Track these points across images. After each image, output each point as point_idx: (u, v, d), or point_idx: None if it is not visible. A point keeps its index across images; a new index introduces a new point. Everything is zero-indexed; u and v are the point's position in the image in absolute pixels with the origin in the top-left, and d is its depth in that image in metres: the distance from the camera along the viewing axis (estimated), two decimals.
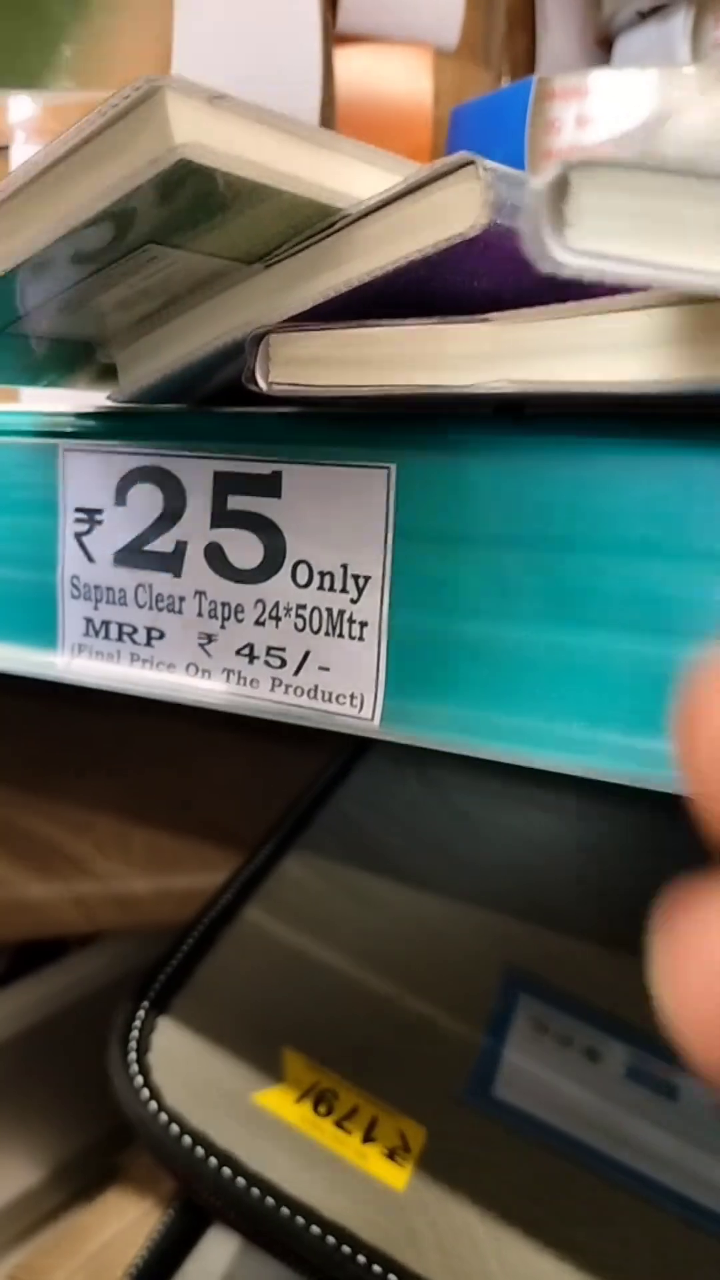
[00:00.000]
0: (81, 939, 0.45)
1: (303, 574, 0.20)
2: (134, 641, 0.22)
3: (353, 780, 0.42)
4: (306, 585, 0.20)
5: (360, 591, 0.20)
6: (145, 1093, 0.28)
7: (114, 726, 0.49)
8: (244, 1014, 0.31)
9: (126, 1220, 0.42)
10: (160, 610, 0.22)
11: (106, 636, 0.23)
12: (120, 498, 0.22)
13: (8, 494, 0.24)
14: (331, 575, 0.20)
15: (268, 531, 0.21)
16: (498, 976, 0.35)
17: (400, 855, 0.39)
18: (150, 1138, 0.28)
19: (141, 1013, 0.30)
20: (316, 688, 0.20)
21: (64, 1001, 0.43)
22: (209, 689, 0.22)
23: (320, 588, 0.20)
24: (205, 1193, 0.27)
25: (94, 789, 0.46)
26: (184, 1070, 0.29)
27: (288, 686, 0.21)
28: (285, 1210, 0.26)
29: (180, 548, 0.22)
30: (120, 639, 0.23)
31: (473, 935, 0.36)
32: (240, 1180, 0.27)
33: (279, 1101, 0.29)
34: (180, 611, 0.22)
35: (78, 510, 0.23)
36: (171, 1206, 0.41)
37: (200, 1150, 0.28)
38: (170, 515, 0.22)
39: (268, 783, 0.46)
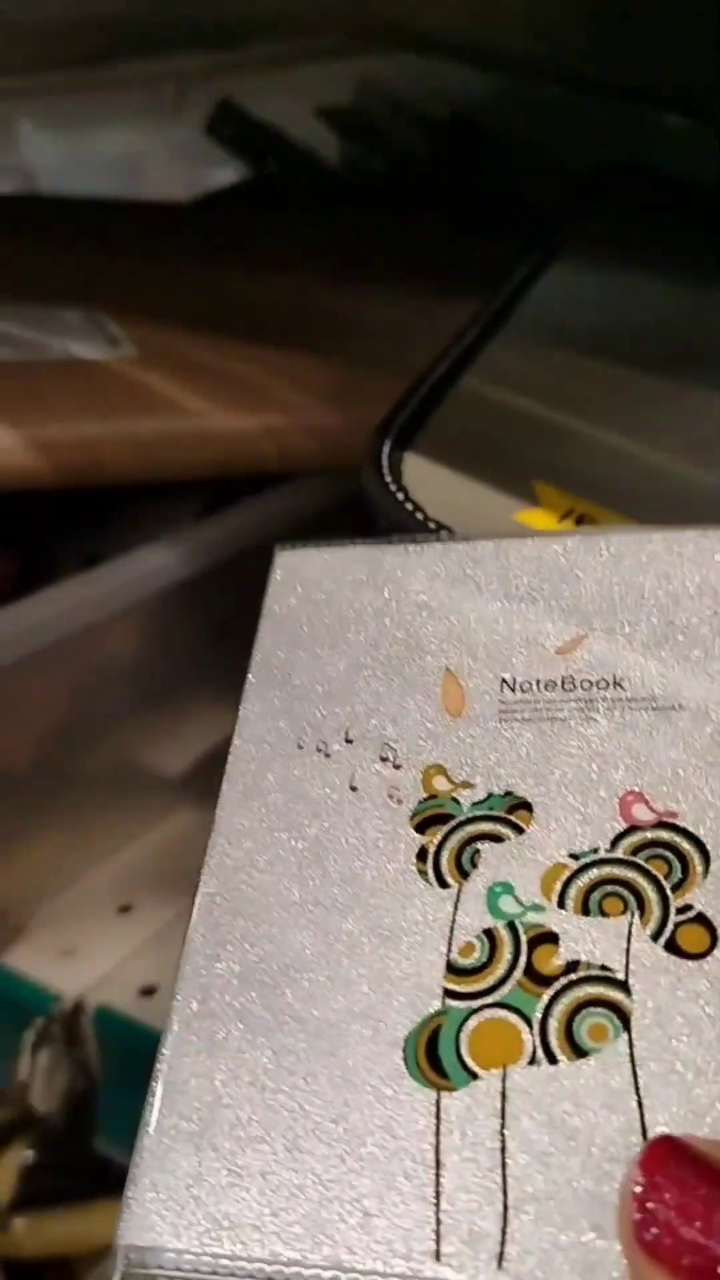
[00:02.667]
0: (275, 478, 0.44)
1: None
2: None
3: (549, 275, 0.39)
4: None
5: None
6: (410, 506, 0.27)
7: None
8: (486, 453, 0.30)
9: None
10: None
11: None
12: None
13: None
14: None
15: None
16: None
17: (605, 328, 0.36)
18: None
19: (387, 448, 0.29)
20: None
21: (265, 533, 0.42)
22: None
23: None
24: None
25: (268, 340, 0.44)
26: (441, 496, 0.28)
27: None
28: None
29: None
30: None
31: None
32: None
33: (540, 521, 0.28)
34: None
35: None
36: None
37: None
38: None
39: (433, 324, 0.43)
